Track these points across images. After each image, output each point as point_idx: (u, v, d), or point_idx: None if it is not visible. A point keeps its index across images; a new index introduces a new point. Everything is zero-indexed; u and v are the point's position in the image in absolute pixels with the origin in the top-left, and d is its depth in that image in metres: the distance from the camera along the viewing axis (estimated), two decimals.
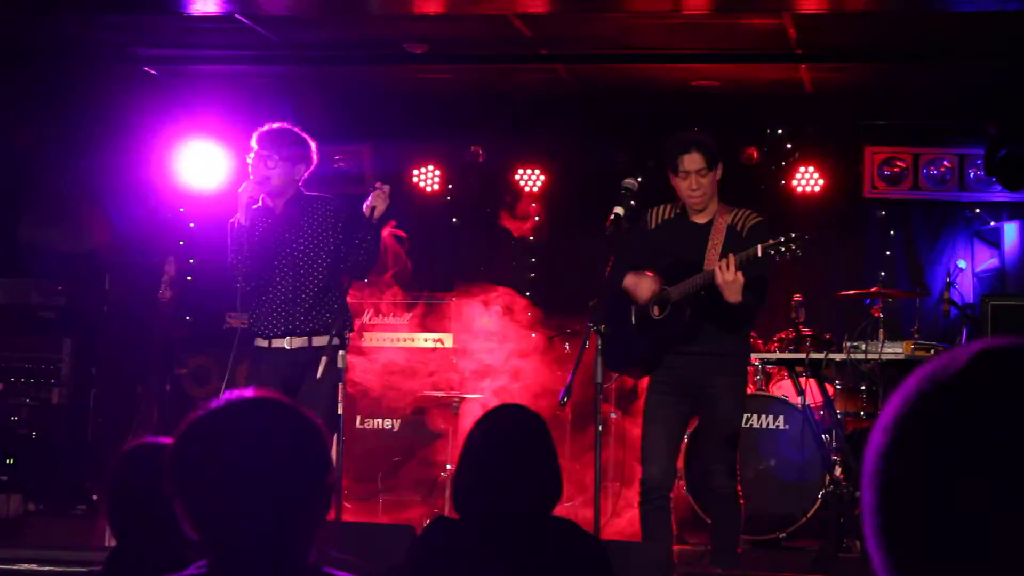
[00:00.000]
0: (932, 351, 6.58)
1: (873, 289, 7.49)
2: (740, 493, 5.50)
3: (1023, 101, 8.19)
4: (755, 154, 8.93)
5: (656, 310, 5.51)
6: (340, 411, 5.54)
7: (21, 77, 8.31)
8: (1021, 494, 1.05)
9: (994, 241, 9.03)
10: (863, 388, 7.30)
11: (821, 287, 8.36)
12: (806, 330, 7.67)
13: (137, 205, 9.62)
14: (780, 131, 9.03)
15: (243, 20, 7.15)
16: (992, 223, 9.00)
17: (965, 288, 7.83)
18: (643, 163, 8.53)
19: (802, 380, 6.51)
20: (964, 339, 7.84)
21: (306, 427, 1.98)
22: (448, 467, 7.52)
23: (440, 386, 8.03)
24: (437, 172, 9.44)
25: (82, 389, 8.64)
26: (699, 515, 6.86)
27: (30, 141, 8.94)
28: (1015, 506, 1.05)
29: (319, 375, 5.49)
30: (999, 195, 8.63)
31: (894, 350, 6.62)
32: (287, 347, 5.74)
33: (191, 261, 9.71)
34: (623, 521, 7.41)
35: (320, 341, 5.71)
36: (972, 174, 8.52)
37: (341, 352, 5.59)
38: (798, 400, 6.69)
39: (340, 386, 5.55)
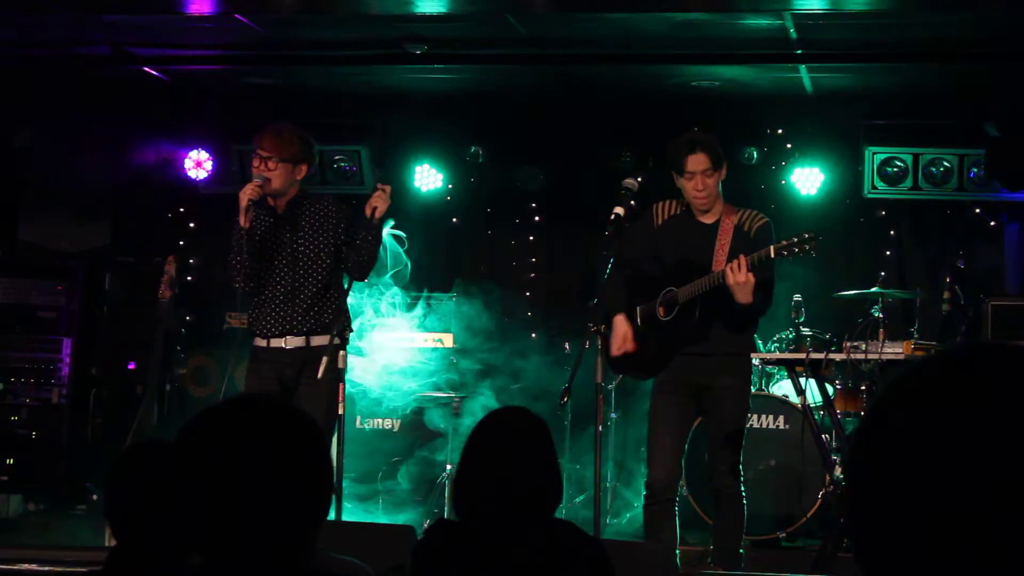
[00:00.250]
0: (932, 351, 6.59)
1: (873, 289, 7.50)
2: (744, 493, 5.51)
3: (1023, 101, 8.19)
4: (755, 154, 8.93)
5: (662, 311, 5.50)
6: (341, 411, 5.55)
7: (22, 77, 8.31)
8: (975, 498, 1.06)
9: (994, 241, 9.04)
10: (863, 388, 7.30)
11: (821, 287, 8.36)
12: (806, 330, 7.68)
13: (137, 205, 9.63)
14: (780, 131, 9.04)
15: (241, 19, 7.15)
16: (992, 223, 8.99)
17: (965, 288, 7.82)
18: (643, 163, 8.54)
19: (802, 380, 6.51)
20: (963, 339, 7.84)
21: (305, 428, 1.98)
22: (448, 467, 7.52)
23: (440, 386, 8.03)
24: (437, 172, 9.44)
25: (82, 389, 8.65)
26: (699, 515, 6.86)
27: (30, 141, 8.95)
28: (968, 509, 1.06)
29: (319, 375, 5.49)
30: (999, 195, 8.63)
31: (894, 350, 6.62)
32: (285, 347, 5.74)
33: (191, 261, 9.72)
34: (623, 521, 7.41)
35: (318, 341, 5.70)
36: (972, 174, 8.52)
37: (342, 352, 5.59)
38: (798, 400, 6.69)
39: (341, 386, 5.55)
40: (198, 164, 9.21)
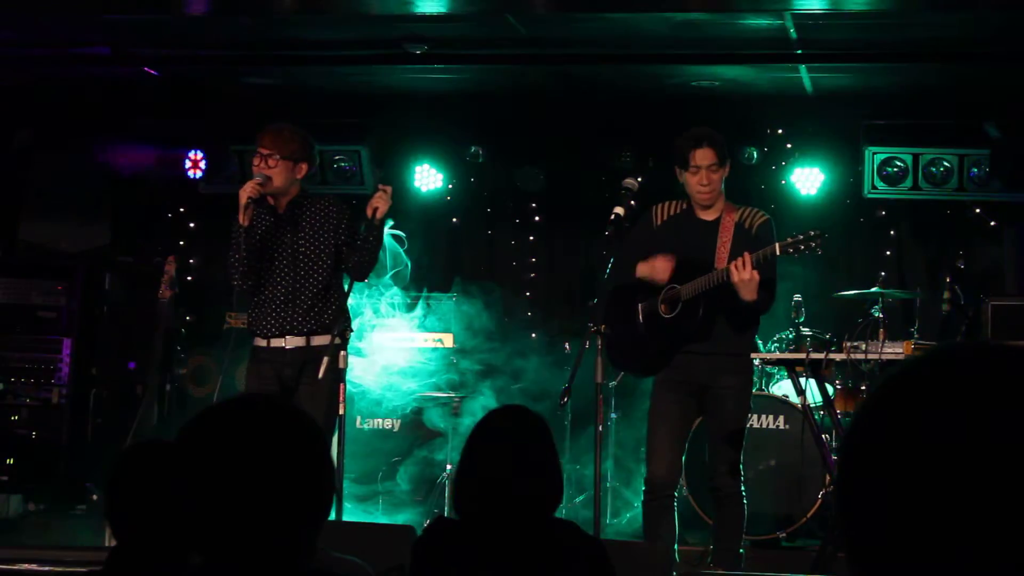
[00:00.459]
0: (927, 351, 6.57)
1: (873, 289, 7.50)
2: (744, 493, 5.51)
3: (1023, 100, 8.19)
4: (755, 154, 8.93)
5: (664, 308, 5.50)
6: (341, 411, 5.55)
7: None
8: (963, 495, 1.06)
9: (994, 241, 9.04)
10: (863, 388, 7.30)
11: (821, 287, 8.35)
12: (806, 330, 7.68)
13: (137, 205, 9.63)
14: (780, 131, 9.03)
15: (241, 19, 7.16)
16: (992, 223, 8.99)
17: (965, 288, 7.82)
18: (643, 163, 8.54)
19: (802, 380, 6.51)
20: (963, 339, 7.84)
21: (305, 428, 1.98)
22: (448, 467, 7.52)
23: (440, 386, 8.03)
24: (437, 172, 9.43)
25: (82, 389, 8.64)
26: (699, 515, 6.86)
27: (30, 141, 8.95)
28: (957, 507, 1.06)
29: (320, 375, 5.49)
30: (999, 195, 8.63)
31: (894, 350, 6.62)
32: (285, 347, 5.74)
33: (191, 261, 9.72)
34: (623, 521, 7.41)
35: (318, 341, 5.70)
36: (972, 174, 8.52)
37: (342, 352, 5.59)
38: (798, 400, 6.69)
39: (341, 386, 5.55)
40: (197, 164, 9.20)
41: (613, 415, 7.96)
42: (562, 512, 3.21)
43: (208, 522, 1.90)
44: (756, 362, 7.19)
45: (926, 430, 1.10)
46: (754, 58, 7.79)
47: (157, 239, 9.63)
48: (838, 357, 6.66)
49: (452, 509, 7.21)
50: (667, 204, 5.63)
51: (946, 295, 7.70)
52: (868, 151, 8.62)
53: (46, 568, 5.11)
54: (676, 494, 5.59)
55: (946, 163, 8.53)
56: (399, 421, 8.25)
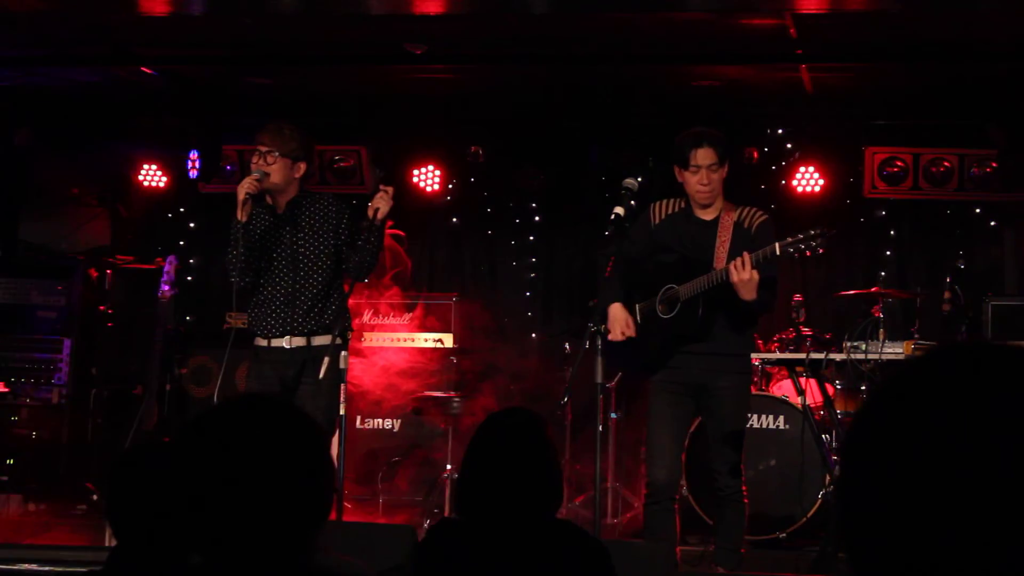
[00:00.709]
0: (927, 351, 6.57)
1: (873, 289, 7.50)
2: (744, 493, 5.50)
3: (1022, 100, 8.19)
4: (755, 154, 8.93)
5: (662, 308, 5.49)
6: (342, 411, 5.54)
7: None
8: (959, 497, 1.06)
9: (994, 241, 9.04)
10: (863, 388, 7.30)
11: (821, 287, 8.36)
12: (806, 330, 7.68)
13: (138, 205, 9.63)
14: (780, 131, 9.04)
15: (241, 19, 7.16)
16: (992, 223, 9.00)
17: (965, 288, 7.83)
18: (643, 163, 8.54)
19: (802, 380, 6.51)
20: (963, 339, 7.84)
21: (305, 428, 1.98)
22: (448, 467, 7.52)
23: (440, 386, 8.03)
24: (437, 172, 9.43)
25: (82, 389, 8.64)
26: (700, 515, 6.86)
27: (30, 141, 8.95)
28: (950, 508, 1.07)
29: (321, 375, 5.48)
30: (999, 195, 8.63)
31: (894, 350, 6.62)
32: (286, 346, 5.74)
33: (191, 261, 9.72)
34: (623, 521, 7.41)
35: (319, 341, 5.70)
36: (972, 174, 8.52)
37: (343, 352, 5.59)
38: (798, 400, 6.68)
39: (342, 386, 5.55)
40: (198, 164, 9.20)
41: (613, 415, 7.96)
42: (562, 512, 3.21)
43: (208, 522, 1.90)
44: (756, 362, 7.22)
45: (927, 430, 1.10)
46: (754, 58, 7.79)
47: (157, 239, 9.63)
48: (838, 357, 6.65)
49: (452, 509, 7.22)
50: (665, 202, 5.62)
51: (946, 295, 7.71)
52: (868, 151, 8.62)
53: (46, 568, 5.11)
54: (676, 496, 5.58)
55: (946, 163, 8.54)
56: (399, 421, 8.25)
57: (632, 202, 5.46)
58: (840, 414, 7.00)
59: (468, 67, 8.25)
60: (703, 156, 5.41)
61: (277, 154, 5.70)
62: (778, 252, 5.14)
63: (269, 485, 1.89)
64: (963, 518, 1.06)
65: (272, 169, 5.70)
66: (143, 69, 8.14)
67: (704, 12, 6.97)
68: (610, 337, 5.44)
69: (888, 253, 9.13)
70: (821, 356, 6.52)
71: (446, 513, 7.31)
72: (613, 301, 5.51)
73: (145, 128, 9.23)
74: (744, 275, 5.12)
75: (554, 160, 9.29)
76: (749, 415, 6.97)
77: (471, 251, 9.77)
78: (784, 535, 6.92)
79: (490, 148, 9.32)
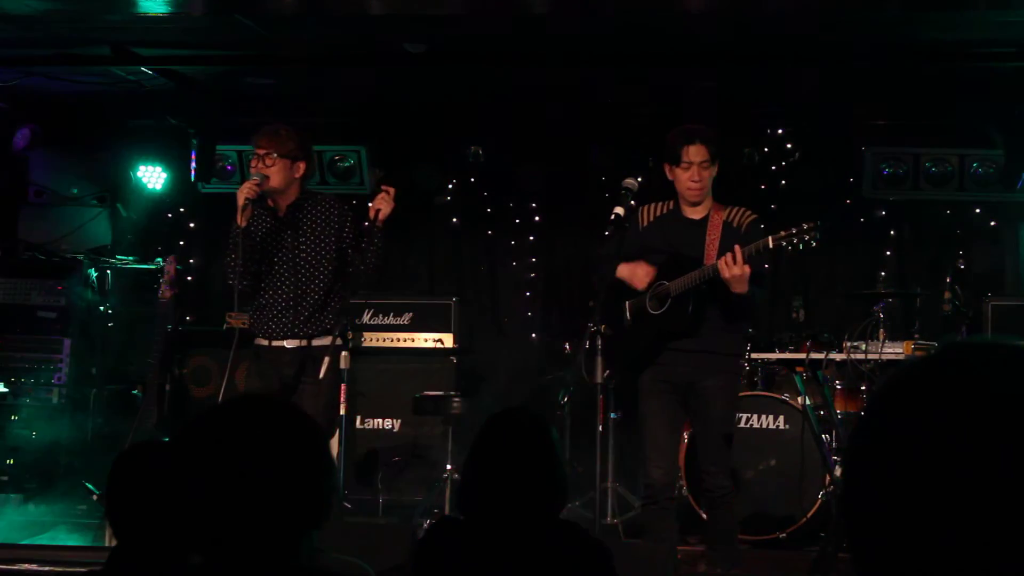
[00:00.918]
0: (932, 351, 6.58)
1: (873, 289, 7.50)
2: (733, 491, 5.50)
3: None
4: (755, 154, 8.93)
5: (653, 305, 5.50)
6: (342, 411, 5.55)
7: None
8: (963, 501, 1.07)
9: (994, 241, 9.04)
10: (863, 388, 7.30)
11: (822, 287, 8.35)
12: (806, 330, 7.68)
13: (138, 205, 9.63)
14: (780, 131, 9.03)
15: (241, 19, 7.15)
16: (992, 223, 9.00)
17: (965, 288, 7.83)
18: (643, 163, 8.54)
19: (802, 380, 6.51)
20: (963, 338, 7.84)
21: (305, 428, 1.98)
22: (448, 467, 7.52)
23: (440, 386, 8.03)
24: (435, 172, 9.43)
25: (82, 389, 8.64)
26: (699, 515, 6.86)
27: (30, 141, 8.95)
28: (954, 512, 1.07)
29: (321, 375, 5.49)
30: (999, 195, 8.63)
31: (894, 350, 6.63)
32: (287, 347, 5.74)
33: (191, 261, 9.72)
34: (623, 521, 7.40)
35: (320, 341, 5.70)
36: (972, 174, 8.52)
37: (344, 352, 5.59)
38: (798, 400, 6.69)
39: (342, 386, 5.55)
40: (197, 164, 9.20)
41: (613, 415, 7.96)
42: (562, 513, 3.21)
43: (208, 522, 1.90)
44: (757, 362, 7.22)
45: (930, 430, 1.10)
46: (752, 58, 7.79)
47: (157, 239, 9.63)
48: (838, 357, 6.66)
49: (453, 509, 7.22)
50: (653, 205, 5.63)
51: (946, 295, 7.71)
52: (868, 151, 8.62)
53: (46, 568, 5.11)
54: (675, 496, 5.59)
55: (946, 163, 8.53)
56: (399, 421, 8.25)
57: (632, 202, 5.47)
58: (840, 414, 7.01)
59: (468, 67, 8.25)
60: (695, 152, 5.42)
61: (275, 155, 5.70)
62: (771, 246, 5.16)
63: (269, 485, 1.89)
64: (964, 518, 1.06)
65: (271, 171, 5.70)
66: (144, 69, 8.14)
67: (704, 11, 6.97)
68: (637, 284, 5.42)
69: (888, 253, 9.13)
70: (821, 356, 6.53)
71: (446, 513, 7.31)
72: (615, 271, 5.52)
73: (145, 128, 9.23)
74: (736, 270, 5.13)
75: (554, 160, 9.28)
76: (749, 415, 6.97)
77: (471, 251, 9.76)
78: (784, 535, 6.92)
79: (490, 148, 9.31)
